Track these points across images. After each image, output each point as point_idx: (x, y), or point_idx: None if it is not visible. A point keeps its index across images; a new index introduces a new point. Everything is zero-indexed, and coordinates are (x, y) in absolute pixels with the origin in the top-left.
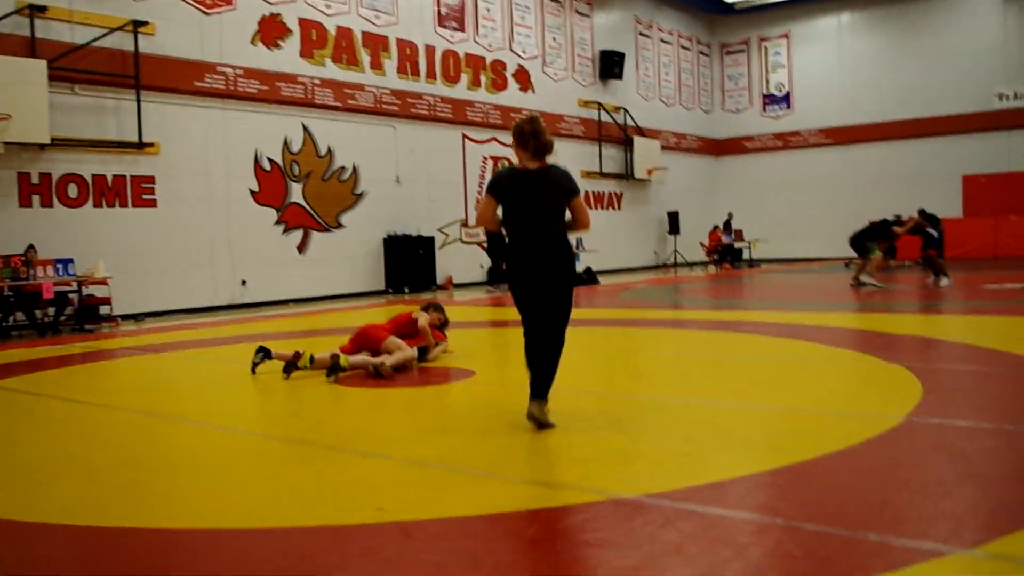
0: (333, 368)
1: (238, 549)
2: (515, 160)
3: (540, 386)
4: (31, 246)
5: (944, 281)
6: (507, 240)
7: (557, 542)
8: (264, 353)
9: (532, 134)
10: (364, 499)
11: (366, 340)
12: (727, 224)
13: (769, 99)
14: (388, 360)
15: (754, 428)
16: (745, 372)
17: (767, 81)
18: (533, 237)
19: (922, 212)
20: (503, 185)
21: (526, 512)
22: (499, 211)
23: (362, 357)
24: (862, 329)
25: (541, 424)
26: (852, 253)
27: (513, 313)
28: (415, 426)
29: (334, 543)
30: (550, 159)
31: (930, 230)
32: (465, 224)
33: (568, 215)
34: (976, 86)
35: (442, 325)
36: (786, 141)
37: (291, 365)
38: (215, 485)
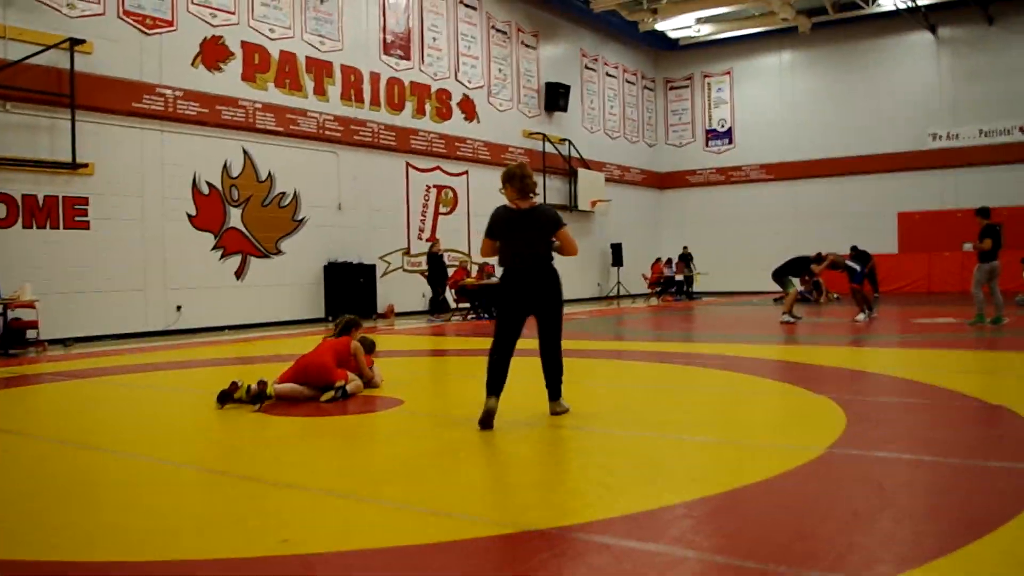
0: (258, 396)
1: None
2: (459, 191)
3: (553, 389)
4: None
5: (860, 316)
6: (501, 268)
7: (462, 575)
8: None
9: (520, 177)
10: (269, 530)
11: (313, 376)
12: (684, 256)
13: (712, 134)
14: (348, 386)
15: (677, 459)
16: (674, 403)
17: (710, 116)
18: (524, 266)
19: (854, 248)
20: (497, 225)
21: (432, 545)
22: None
23: (291, 386)
24: (792, 361)
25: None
26: (777, 288)
27: (450, 343)
28: (333, 456)
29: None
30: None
31: (851, 264)
32: (407, 253)
33: (556, 243)
34: (911, 126)
35: (371, 348)
36: (728, 175)
37: (226, 395)
38: (115, 515)
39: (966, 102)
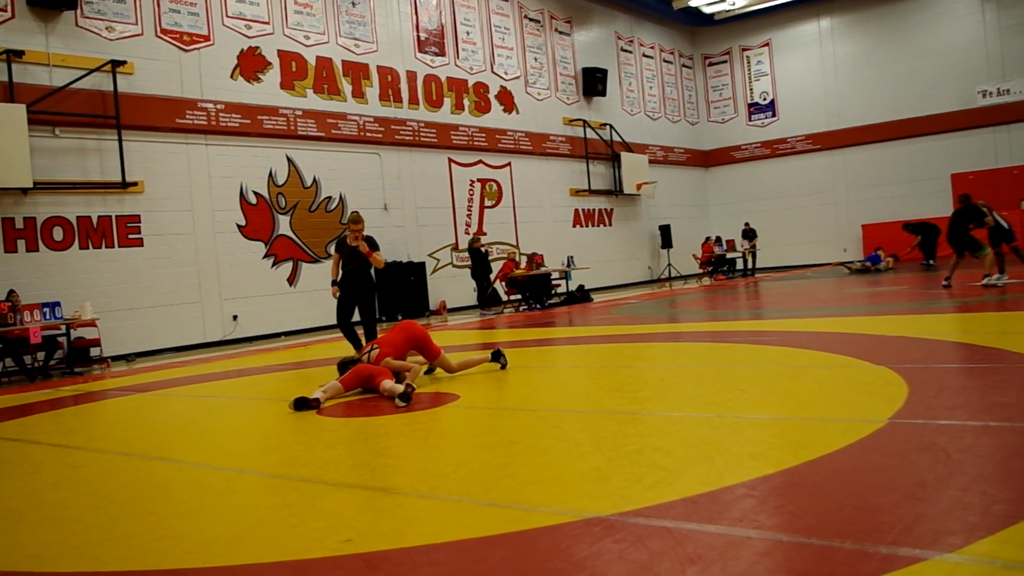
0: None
1: None
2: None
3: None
4: (12, 291)
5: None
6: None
7: (523, 565)
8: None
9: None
10: (331, 531)
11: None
12: (747, 233)
13: (754, 108)
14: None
15: (735, 439)
16: (729, 382)
17: (751, 90)
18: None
19: (965, 197)
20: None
21: (494, 537)
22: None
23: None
24: (849, 333)
25: None
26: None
27: (502, 335)
28: (393, 454)
29: None
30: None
31: (1000, 220)
32: (456, 248)
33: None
34: (959, 84)
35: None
36: (773, 149)
37: (303, 402)
38: (180, 524)
39: (1015, 55)
